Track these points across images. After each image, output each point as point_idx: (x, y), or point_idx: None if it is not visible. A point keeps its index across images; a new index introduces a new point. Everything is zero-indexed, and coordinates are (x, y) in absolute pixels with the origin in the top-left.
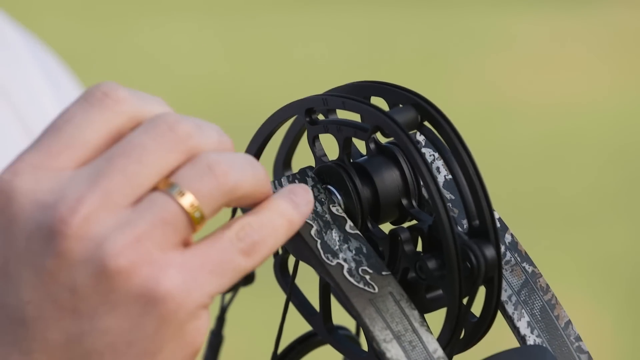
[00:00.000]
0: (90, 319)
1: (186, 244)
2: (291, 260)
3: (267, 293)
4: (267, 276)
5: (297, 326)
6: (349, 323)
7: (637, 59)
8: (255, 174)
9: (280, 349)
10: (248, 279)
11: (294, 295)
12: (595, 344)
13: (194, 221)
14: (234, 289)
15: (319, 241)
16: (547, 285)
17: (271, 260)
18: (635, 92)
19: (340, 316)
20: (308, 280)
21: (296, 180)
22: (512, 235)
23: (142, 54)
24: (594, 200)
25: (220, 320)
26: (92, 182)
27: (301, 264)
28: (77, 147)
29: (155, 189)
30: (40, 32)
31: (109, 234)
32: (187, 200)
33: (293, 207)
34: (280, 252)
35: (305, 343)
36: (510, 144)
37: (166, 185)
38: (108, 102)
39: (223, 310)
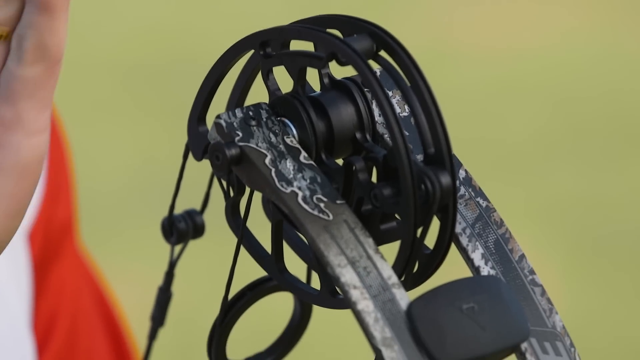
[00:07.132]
0: None
1: None
2: (243, 203)
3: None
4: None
5: (249, 277)
6: (300, 273)
7: (585, 6)
8: None
9: (230, 296)
10: (197, 231)
11: (246, 239)
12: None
13: None
14: (183, 242)
15: (273, 169)
16: (501, 219)
17: (222, 211)
18: (584, 38)
19: (291, 266)
20: (260, 226)
21: (250, 112)
22: (466, 171)
23: None
24: (541, 146)
25: (169, 275)
26: None
27: (253, 209)
28: None
29: None
30: None
31: None
32: None
33: None
34: (232, 194)
35: (256, 289)
36: (457, 88)
37: None
38: None
39: (172, 265)
